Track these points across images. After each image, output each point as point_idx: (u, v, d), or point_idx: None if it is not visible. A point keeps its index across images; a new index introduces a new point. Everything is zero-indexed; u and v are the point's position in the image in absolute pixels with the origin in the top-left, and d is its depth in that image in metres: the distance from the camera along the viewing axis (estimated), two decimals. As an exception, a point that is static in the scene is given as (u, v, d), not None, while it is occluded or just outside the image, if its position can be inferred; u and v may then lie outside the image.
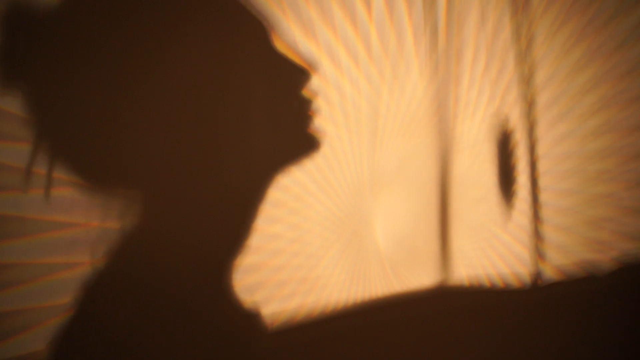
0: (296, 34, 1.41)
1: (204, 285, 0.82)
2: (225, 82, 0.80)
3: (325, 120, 1.47)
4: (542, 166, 1.68)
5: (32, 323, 1.19)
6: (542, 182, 1.68)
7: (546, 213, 1.67)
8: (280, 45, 0.86)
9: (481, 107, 1.66)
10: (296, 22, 1.46)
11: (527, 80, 1.66)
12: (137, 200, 0.82)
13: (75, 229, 1.21)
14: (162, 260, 0.80)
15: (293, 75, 0.85)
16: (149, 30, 0.78)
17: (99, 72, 0.79)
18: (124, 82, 0.78)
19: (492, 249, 1.67)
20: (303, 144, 0.85)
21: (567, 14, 1.66)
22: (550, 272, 1.66)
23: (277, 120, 0.84)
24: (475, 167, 1.67)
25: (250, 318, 0.85)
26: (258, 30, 0.85)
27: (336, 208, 1.55)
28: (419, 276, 1.61)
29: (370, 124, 1.57)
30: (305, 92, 0.86)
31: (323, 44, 1.49)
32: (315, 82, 0.86)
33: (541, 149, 1.68)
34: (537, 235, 1.66)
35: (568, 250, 1.67)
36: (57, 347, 0.80)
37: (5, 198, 1.18)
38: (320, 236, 1.53)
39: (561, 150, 1.69)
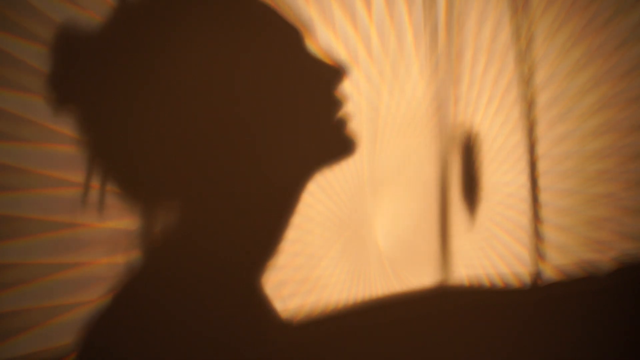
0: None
1: (226, 287, 0.82)
2: (260, 88, 0.81)
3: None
4: (542, 166, 1.68)
5: (32, 323, 1.19)
6: (542, 182, 1.68)
7: (546, 213, 1.67)
8: (312, 47, 0.86)
9: (481, 107, 1.66)
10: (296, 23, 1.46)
11: (527, 80, 1.66)
12: (162, 204, 0.83)
13: (77, 229, 1.21)
14: (186, 261, 0.81)
15: (325, 77, 0.86)
16: (185, 37, 0.79)
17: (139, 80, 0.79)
18: (156, 89, 0.79)
19: (492, 249, 1.67)
20: (338, 146, 0.86)
21: (567, 14, 1.66)
22: (550, 272, 1.66)
23: (311, 123, 0.84)
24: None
25: (274, 319, 0.85)
26: (289, 33, 0.85)
27: (336, 208, 1.55)
28: (419, 276, 1.62)
29: (370, 124, 1.57)
30: (337, 94, 0.86)
31: (323, 44, 1.49)
32: (346, 85, 0.87)
33: (541, 149, 1.68)
34: (537, 235, 1.66)
35: (568, 250, 1.67)
36: (85, 341, 0.81)
37: (5, 198, 1.18)
38: (320, 236, 1.53)
39: (561, 150, 1.69)
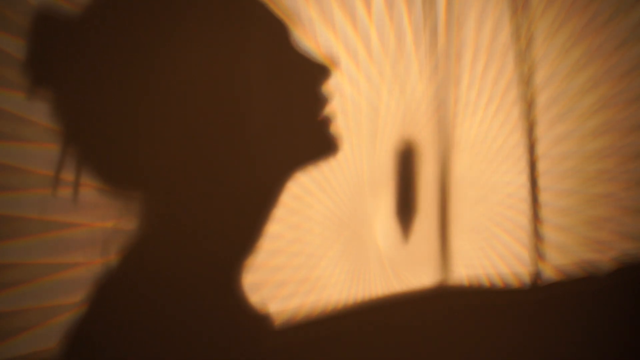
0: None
1: (213, 286, 0.82)
2: (232, 81, 0.80)
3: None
4: (542, 166, 1.68)
5: (32, 323, 1.19)
6: (542, 182, 1.68)
7: (546, 213, 1.67)
8: (300, 42, 0.86)
9: (481, 107, 1.66)
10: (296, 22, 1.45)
11: (526, 80, 1.66)
12: (148, 202, 0.82)
13: (76, 229, 1.21)
14: (171, 260, 0.80)
15: (312, 72, 0.85)
16: (171, 30, 0.78)
17: (119, 72, 0.79)
18: (141, 81, 0.78)
19: (492, 249, 1.67)
20: (320, 145, 0.85)
21: (567, 14, 1.66)
22: (550, 272, 1.66)
23: (294, 120, 0.84)
24: (475, 167, 1.67)
25: (256, 318, 0.85)
26: (277, 27, 0.85)
27: (336, 208, 1.55)
28: (419, 276, 1.62)
29: (370, 124, 1.57)
30: (325, 90, 0.86)
31: (323, 44, 1.49)
32: (334, 80, 0.86)
33: (541, 149, 1.68)
34: (537, 235, 1.66)
35: (568, 250, 1.67)
36: (68, 345, 0.81)
37: (5, 198, 1.18)
38: (320, 236, 1.53)
39: (561, 150, 1.69)
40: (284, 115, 0.82)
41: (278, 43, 0.83)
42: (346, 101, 1.54)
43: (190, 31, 0.78)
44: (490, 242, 1.67)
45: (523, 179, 1.67)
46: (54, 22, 0.80)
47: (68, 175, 0.86)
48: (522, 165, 1.67)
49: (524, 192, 1.67)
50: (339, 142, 0.85)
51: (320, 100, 0.85)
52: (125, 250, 0.82)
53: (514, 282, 0.86)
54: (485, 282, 0.85)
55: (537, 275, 1.63)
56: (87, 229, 1.19)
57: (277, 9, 0.85)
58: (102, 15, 0.79)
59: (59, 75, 0.81)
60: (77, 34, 0.79)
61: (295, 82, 0.83)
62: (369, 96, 1.57)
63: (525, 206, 1.67)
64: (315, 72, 0.84)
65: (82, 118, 0.82)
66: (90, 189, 1.05)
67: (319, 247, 1.53)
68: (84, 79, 0.80)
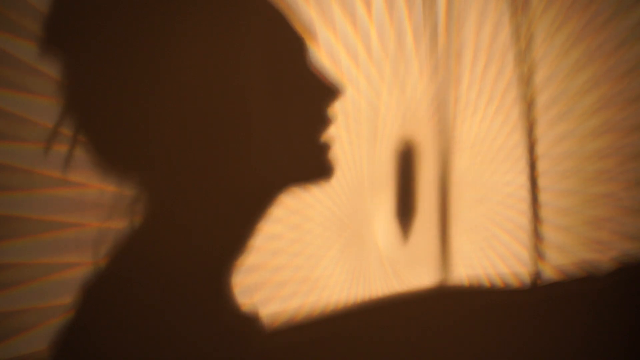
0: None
1: (206, 286, 0.82)
2: (235, 83, 0.80)
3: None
4: (542, 166, 1.68)
5: (32, 323, 1.19)
6: (542, 182, 1.68)
7: (546, 213, 1.67)
8: (314, 57, 0.86)
9: (481, 107, 1.66)
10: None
11: (526, 80, 1.66)
12: (141, 200, 0.82)
13: (76, 229, 1.21)
14: (164, 261, 0.80)
15: (319, 93, 0.85)
16: (174, 32, 0.78)
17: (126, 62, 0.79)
18: (141, 80, 0.78)
19: (492, 249, 1.67)
20: (316, 166, 0.85)
21: (566, 14, 1.66)
22: (550, 272, 1.66)
23: (295, 138, 0.84)
24: (475, 167, 1.67)
25: (250, 318, 0.85)
26: (294, 40, 0.85)
27: (336, 208, 1.55)
28: (419, 276, 1.62)
29: (370, 124, 1.57)
30: (329, 111, 0.86)
31: (323, 44, 1.49)
32: (338, 104, 0.86)
33: (541, 148, 1.68)
34: (537, 235, 1.66)
35: (568, 250, 1.67)
36: (59, 347, 0.81)
37: (5, 198, 1.18)
38: (320, 236, 1.53)
39: (560, 150, 1.70)
40: (283, 120, 0.82)
41: (291, 54, 0.83)
42: (346, 101, 1.54)
43: (194, 32, 0.78)
44: (490, 242, 1.67)
45: (523, 179, 1.68)
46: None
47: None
48: (522, 165, 1.68)
49: (524, 192, 1.68)
50: (333, 170, 0.85)
51: (323, 122, 0.85)
52: (119, 250, 0.81)
53: (514, 282, 0.86)
54: (485, 282, 0.85)
55: (537, 275, 1.63)
56: (84, 229, 1.19)
57: (293, 21, 0.85)
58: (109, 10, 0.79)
59: (73, 35, 0.80)
60: (88, 23, 0.79)
61: (301, 87, 0.83)
62: (368, 96, 1.57)
63: (525, 206, 1.67)
64: (323, 92, 0.84)
65: (80, 116, 0.82)
66: (87, 188, 1.05)
67: (319, 248, 1.53)
68: (84, 77, 0.80)
